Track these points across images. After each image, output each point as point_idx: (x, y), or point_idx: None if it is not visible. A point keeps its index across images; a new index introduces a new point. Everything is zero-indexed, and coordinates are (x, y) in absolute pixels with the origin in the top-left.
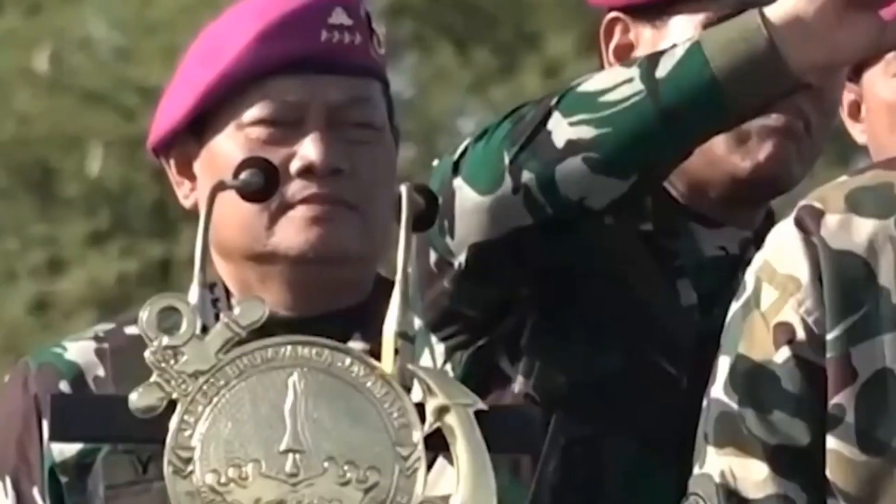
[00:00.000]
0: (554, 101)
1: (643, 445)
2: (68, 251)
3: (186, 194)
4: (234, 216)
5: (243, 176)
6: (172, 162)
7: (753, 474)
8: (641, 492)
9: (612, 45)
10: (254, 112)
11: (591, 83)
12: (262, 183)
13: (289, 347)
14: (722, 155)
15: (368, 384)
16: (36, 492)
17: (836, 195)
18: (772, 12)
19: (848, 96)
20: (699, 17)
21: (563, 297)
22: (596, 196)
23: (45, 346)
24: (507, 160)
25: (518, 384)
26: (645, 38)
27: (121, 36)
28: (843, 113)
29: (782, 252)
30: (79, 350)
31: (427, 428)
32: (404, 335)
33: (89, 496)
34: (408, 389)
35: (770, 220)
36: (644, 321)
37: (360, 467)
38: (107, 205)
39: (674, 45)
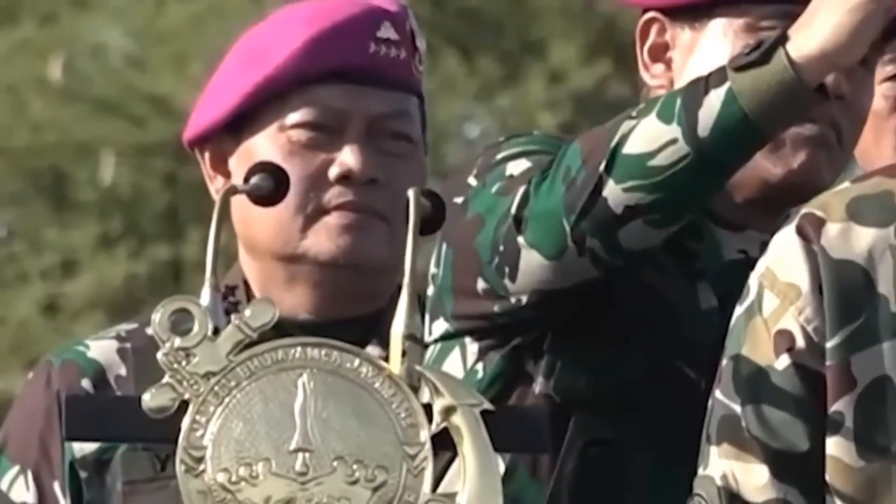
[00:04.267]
0: (602, 165)
1: (663, 448)
2: (78, 254)
3: (219, 189)
4: (270, 216)
5: (254, 180)
6: (207, 156)
7: (754, 478)
8: (660, 494)
9: (647, 45)
10: (297, 116)
11: (636, 144)
12: (272, 188)
13: (298, 349)
14: (755, 160)
15: (377, 385)
16: (56, 486)
17: (837, 203)
18: (798, 50)
19: None
20: (739, 22)
21: (593, 302)
22: (657, 240)
23: (68, 344)
24: (568, 229)
25: (538, 384)
26: (682, 40)
27: (132, 45)
28: None
29: (783, 259)
30: (101, 349)
31: (434, 428)
32: (412, 337)
33: (107, 492)
34: (415, 390)
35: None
36: (667, 324)
37: (369, 466)
38: (118, 210)
39: (704, 85)
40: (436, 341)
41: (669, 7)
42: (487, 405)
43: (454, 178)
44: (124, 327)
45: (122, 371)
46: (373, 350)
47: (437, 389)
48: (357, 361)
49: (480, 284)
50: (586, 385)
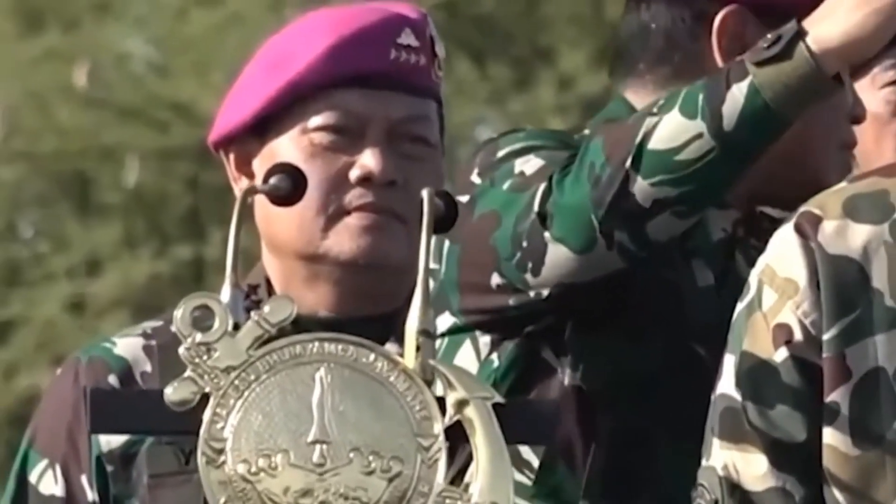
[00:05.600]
0: (629, 161)
1: (683, 435)
2: (103, 254)
3: (243, 189)
4: (292, 216)
5: (273, 181)
6: (232, 157)
7: (754, 468)
8: (681, 481)
9: (724, 39)
10: (319, 119)
11: (662, 140)
12: (290, 188)
13: (316, 344)
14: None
15: (392, 378)
16: (84, 479)
17: (834, 201)
18: (819, 44)
19: None
20: None
21: (614, 293)
22: (682, 230)
23: (95, 341)
24: (596, 224)
25: (567, 377)
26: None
27: (155, 53)
28: None
29: (782, 256)
30: (127, 345)
31: (447, 420)
32: (426, 332)
33: (133, 485)
34: (429, 384)
35: (752, 203)
36: (676, 307)
37: (384, 457)
38: (141, 212)
39: (726, 79)
40: (443, 335)
41: (759, 4)
42: (499, 398)
43: (458, 174)
44: (149, 325)
45: (148, 367)
46: (390, 347)
47: (451, 383)
48: (373, 356)
49: (496, 279)
50: (611, 375)
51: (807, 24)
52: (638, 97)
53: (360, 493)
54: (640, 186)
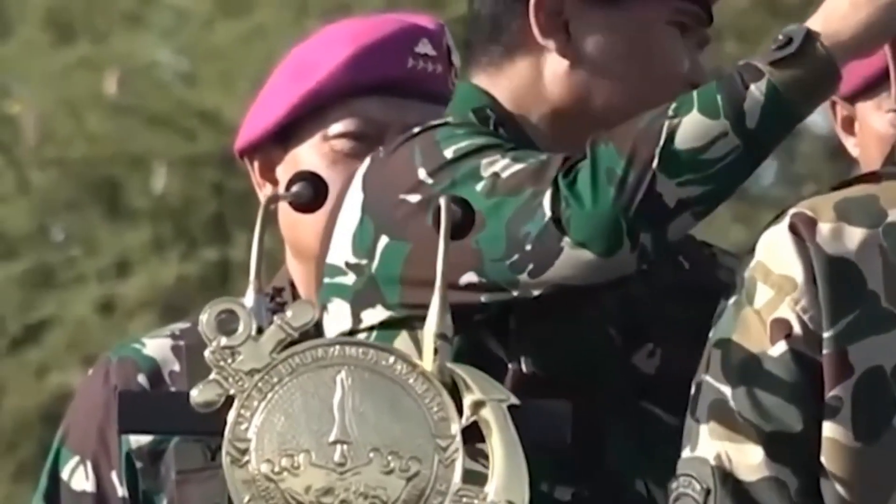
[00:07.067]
0: (655, 162)
1: (634, 416)
2: (132, 257)
3: (267, 195)
4: (315, 221)
5: (295, 188)
6: (256, 165)
7: (748, 458)
8: (633, 460)
9: (542, 16)
10: (339, 126)
11: (686, 140)
12: (311, 195)
13: (337, 347)
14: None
15: (410, 381)
16: (114, 476)
17: (825, 205)
18: (832, 40)
19: (841, 111)
20: None
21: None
22: (690, 230)
23: (125, 341)
24: (625, 227)
25: (513, 366)
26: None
27: (183, 62)
28: (837, 126)
29: (776, 254)
30: (156, 346)
31: (464, 421)
32: (443, 336)
33: (162, 480)
34: (447, 386)
35: None
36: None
37: (403, 457)
38: (169, 217)
39: (741, 79)
40: (371, 328)
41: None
42: (514, 400)
43: (383, 172)
44: (178, 326)
45: (176, 367)
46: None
47: (467, 385)
48: (392, 359)
49: (468, 278)
50: (557, 362)
51: (815, 23)
52: (482, 80)
53: (379, 492)
54: (667, 187)
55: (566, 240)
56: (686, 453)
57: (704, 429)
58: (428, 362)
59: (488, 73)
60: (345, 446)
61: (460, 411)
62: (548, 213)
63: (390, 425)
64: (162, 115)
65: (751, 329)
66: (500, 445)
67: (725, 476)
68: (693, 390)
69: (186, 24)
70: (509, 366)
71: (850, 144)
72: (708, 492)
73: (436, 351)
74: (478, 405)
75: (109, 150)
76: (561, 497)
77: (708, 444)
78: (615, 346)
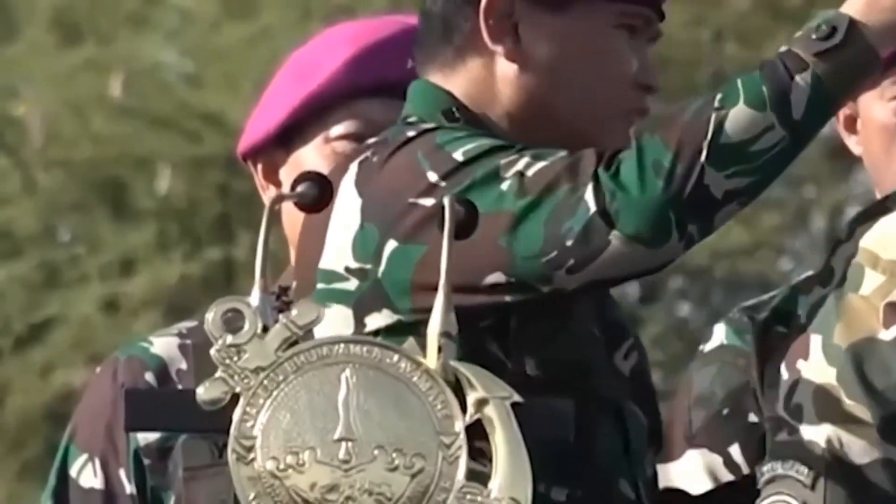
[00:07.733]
0: (703, 155)
1: (611, 416)
2: (136, 256)
3: (271, 197)
4: None
5: (300, 189)
6: (260, 167)
7: (860, 440)
8: (622, 458)
9: (492, 19)
10: (341, 128)
11: (735, 133)
12: (316, 195)
13: (342, 345)
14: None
15: (414, 379)
16: (122, 473)
17: None
18: (872, 30)
19: (843, 110)
20: None
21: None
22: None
23: (132, 340)
24: (674, 218)
25: (528, 366)
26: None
27: (187, 64)
28: (839, 125)
29: (887, 242)
30: (163, 345)
31: (468, 419)
32: (447, 334)
33: (169, 477)
34: (450, 383)
35: None
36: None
37: (407, 454)
38: (173, 218)
39: (785, 70)
40: (376, 332)
41: None
42: (517, 398)
43: (383, 178)
44: (185, 325)
45: (183, 365)
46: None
47: (471, 383)
48: (396, 357)
49: (494, 278)
50: (555, 363)
51: (855, 10)
52: (437, 79)
53: (384, 489)
54: (715, 179)
55: (615, 233)
56: (782, 437)
57: (809, 413)
58: (432, 360)
59: (444, 73)
60: (349, 443)
61: (464, 409)
62: (592, 206)
63: (395, 423)
64: (167, 116)
65: (857, 315)
66: (504, 443)
67: (836, 458)
68: (785, 377)
69: (191, 25)
70: (509, 366)
71: (852, 143)
72: (817, 476)
73: (440, 349)
74: (481, 403)
75: (114, 150)
76: (557, 497)
77: (814, 428)
78: (601, 346)
